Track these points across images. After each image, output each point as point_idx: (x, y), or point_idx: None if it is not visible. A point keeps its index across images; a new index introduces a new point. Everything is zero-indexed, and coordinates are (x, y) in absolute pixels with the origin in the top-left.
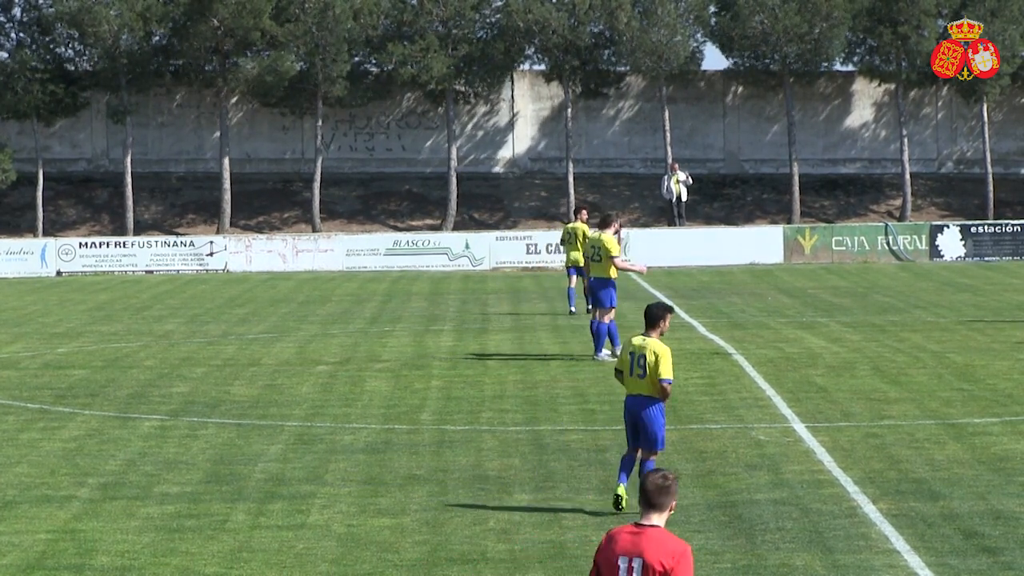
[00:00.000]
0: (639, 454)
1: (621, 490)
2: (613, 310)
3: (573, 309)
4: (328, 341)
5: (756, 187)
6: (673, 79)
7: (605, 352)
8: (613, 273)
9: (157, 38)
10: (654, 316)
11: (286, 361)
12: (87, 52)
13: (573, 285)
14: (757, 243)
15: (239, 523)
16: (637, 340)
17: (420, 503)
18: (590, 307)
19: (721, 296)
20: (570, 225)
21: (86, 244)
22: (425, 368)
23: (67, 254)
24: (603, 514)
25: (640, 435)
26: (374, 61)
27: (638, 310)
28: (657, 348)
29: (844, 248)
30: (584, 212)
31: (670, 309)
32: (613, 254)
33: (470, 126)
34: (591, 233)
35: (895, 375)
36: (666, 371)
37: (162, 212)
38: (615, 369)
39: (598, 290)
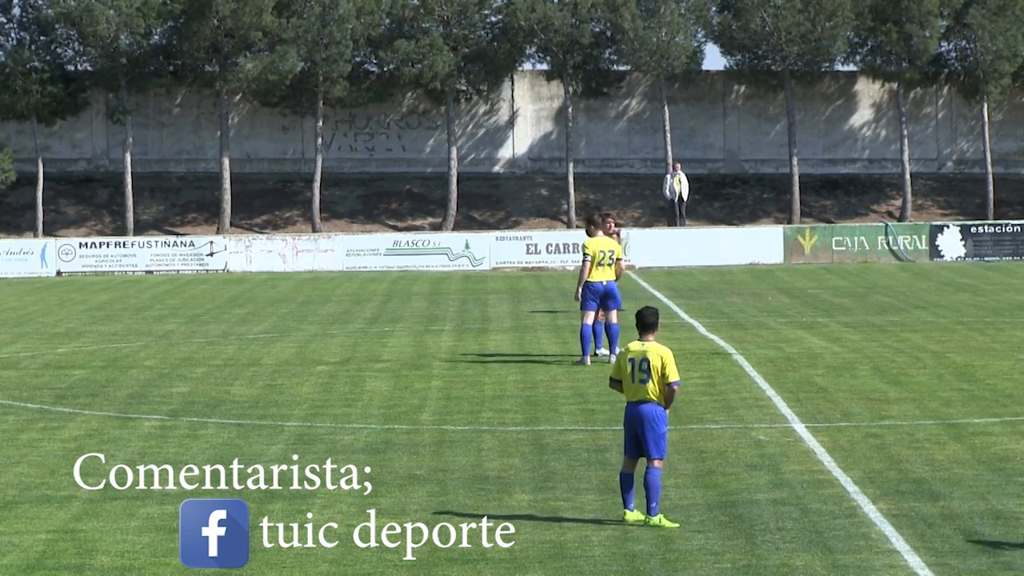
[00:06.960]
0: (639, 466)
1: (630, 516)
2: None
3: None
4: (328, 341)
5: (756, 187)
6: (674, 79)
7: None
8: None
9: (156, 37)
10: (648, 321)
11: (286, 361)
12: (87, 52)
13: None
14: (757, 243)
15: None
16: (635, 346)
17: (420, 503)
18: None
19: (721, 296)
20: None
21: (86, 244)
22: (425, 368)
23: (67, 254)
24: (604, 519)
25: (643, 444)
26: (375, 61)
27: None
28: (660, 351)
29: (844, 248)
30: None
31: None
32: (620, 256)
33: (470, 126)
34: (590, 239)
35: (895, 375)
36: (674, 374)
37: (162, 212)
38: (610, 379)
39: (616, 293)
